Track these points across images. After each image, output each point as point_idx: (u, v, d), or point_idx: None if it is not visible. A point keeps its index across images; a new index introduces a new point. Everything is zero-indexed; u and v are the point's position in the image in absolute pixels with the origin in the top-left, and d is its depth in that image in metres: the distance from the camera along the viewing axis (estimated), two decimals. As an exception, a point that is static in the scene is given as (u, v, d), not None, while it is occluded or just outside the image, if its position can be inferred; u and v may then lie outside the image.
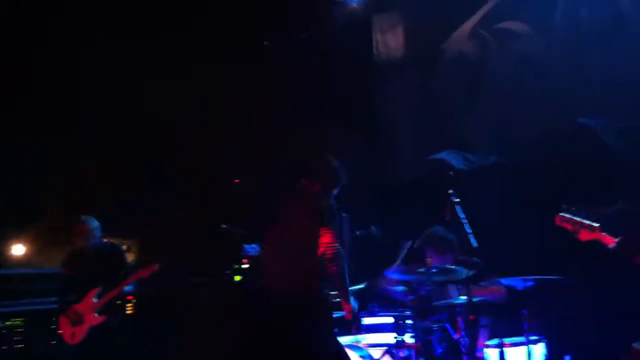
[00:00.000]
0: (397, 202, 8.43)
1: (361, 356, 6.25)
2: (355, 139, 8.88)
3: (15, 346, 8.40)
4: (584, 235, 4.55)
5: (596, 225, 4.51)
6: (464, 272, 5.70)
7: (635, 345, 4.26)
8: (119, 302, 7.41)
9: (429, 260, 6.37)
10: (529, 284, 5.57)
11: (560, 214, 4.65)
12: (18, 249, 10.53)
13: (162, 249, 8.64)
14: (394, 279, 6.39)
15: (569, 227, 4.61)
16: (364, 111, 9.11)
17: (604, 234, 4.47)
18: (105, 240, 7.51)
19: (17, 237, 10.18)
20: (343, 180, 5.59)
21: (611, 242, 4.39)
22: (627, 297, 5.77)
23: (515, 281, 5.63)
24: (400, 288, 6.49)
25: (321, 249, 5.26)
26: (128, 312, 8.11)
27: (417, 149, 8.77)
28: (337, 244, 5.26)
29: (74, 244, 7.36)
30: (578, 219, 4.57)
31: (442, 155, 7.97)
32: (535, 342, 5.68)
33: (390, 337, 6.12)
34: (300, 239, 5.36)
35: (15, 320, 8.44)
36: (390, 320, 6.28)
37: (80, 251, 7.28)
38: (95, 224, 7.32)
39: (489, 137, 8.14)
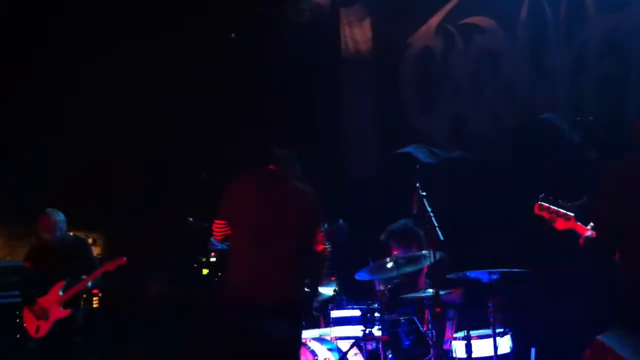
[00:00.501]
0: (362, 195, 8.49)
1: (329, 349, 6.32)
2: (320, 132, 8.93)
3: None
4: (560, 225, 4.60)
5: (571, 214, 4.57)
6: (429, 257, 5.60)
7: (598, 337, 4.34)
8: (84, 295, 7.37)
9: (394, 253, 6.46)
10: (495, 276, 5.66)
11: (539, 202, 4.71)
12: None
13: (128, 242, 8.57)
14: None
15: (546, 215, 4.66)
16: (329, 105, 9.13)
17: (578, 223, 4.54)
18: (70, 233, 7.45)
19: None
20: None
21: (585, 231, 4.46)
22: (591, 290, 5.90)
23: (481, 274, 5.71)
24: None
25: (320, 247, 5.17)
26: (94, 305, 8.06)
27: (381, 143, 8.83)
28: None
29: (39, 236, 7.29)
30: (555, 207, 4.63)
31: (409, 149, 8.04)
32: (501, 334, 5.79)
33: (358, 330, 6.17)
34: (296, 239, 5.04)
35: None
36: (358, 313, 6.34)
37: (45, 244, 7.20)
38: (60, 216, 7.24)
39: (451, 132, 8.25)
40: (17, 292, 7.54)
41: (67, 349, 7.08)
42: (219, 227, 5.24)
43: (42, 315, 6.99)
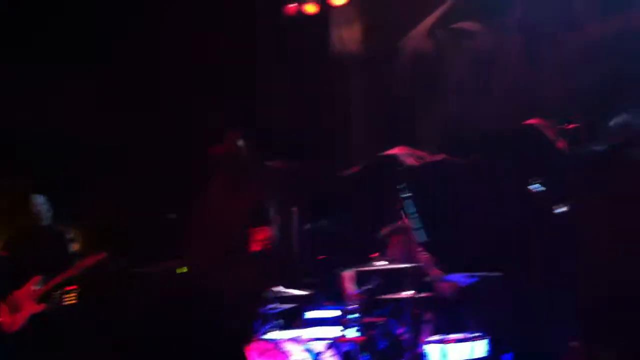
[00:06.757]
0: (350, 195, 8.41)
1: (304, 350, 6.20)
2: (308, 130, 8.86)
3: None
4: None
5: None
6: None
7: (572, 343, 4.30)
8: (59, 290, 7.22)
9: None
10: (473, 280, 5.57)
11: None
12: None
13: (106, 237, 8.47)
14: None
15: None
16: (317, 104, 9.05)
17: None
18: (52, 224, 7.33)
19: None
20: None
21: None
22: (564, 296, 5.81)
23: (460, 277, 5.63)
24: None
25: None
26: (70, 301, 7.92)
27: (371, 144, 8.76)
28: None
29: (19, 224, 7.17)
30: None
31: (394, 151, 7.98)
32: (477, 338, 5.68)
33: (334, 331, 6.07)
34: None
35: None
36: (336, 313, 6.24)
37: (25, 233, 7.08)
38: (44, 204, 7.11)
39: (441, 135, 8.18)
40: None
41: (41, 344, 6.96)
42: None
43: (16, 309, 6.85)
